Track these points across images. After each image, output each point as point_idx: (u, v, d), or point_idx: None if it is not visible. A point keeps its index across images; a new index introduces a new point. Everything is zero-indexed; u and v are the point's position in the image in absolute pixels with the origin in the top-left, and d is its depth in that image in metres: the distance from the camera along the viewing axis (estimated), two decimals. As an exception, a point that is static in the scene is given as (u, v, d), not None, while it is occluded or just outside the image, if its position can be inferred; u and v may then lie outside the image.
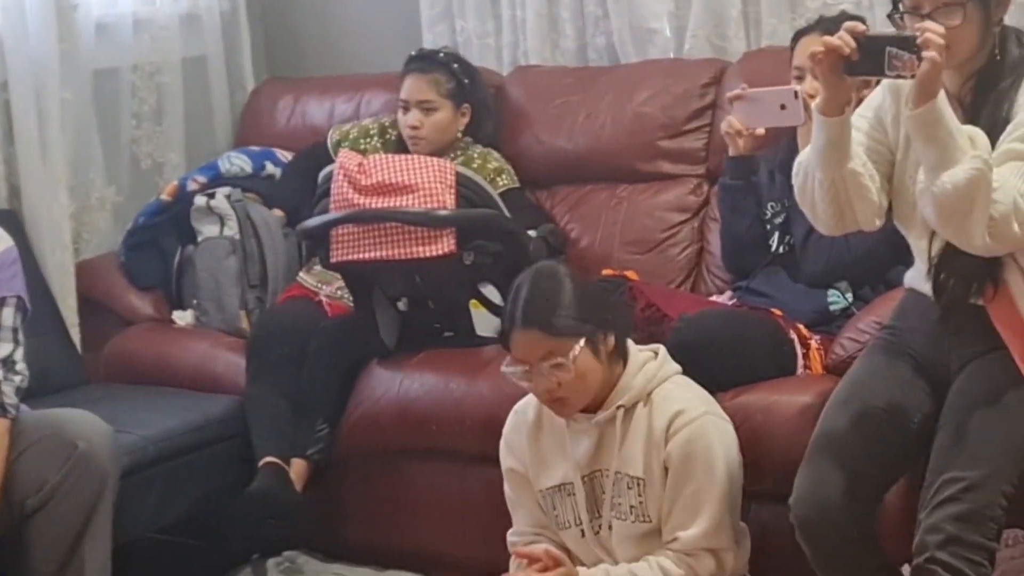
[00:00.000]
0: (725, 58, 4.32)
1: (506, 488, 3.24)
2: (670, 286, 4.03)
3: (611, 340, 3.06)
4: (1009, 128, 2.72)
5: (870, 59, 2.65)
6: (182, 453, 3.80)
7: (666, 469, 3.03)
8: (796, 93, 3.42)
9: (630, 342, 3.12)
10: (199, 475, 3.84)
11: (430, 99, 4.20)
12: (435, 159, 3.97)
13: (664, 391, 3.08)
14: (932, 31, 2.61)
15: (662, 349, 3.16)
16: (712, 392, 3.27)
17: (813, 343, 3.45)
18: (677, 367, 3.15)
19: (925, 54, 2.59)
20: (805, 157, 2.85)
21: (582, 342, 2.99)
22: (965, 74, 2.80)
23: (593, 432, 3.08)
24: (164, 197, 4.52)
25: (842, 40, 2.65)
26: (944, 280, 2.82)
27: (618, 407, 3.05)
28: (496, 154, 4.28)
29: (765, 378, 3.36)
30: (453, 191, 3.87)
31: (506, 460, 3.22)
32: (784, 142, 3.69)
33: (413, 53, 4.32)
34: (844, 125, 2.75)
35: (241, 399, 3.99)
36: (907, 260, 3.00)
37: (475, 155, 4.23)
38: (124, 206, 4.65)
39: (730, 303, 3.69)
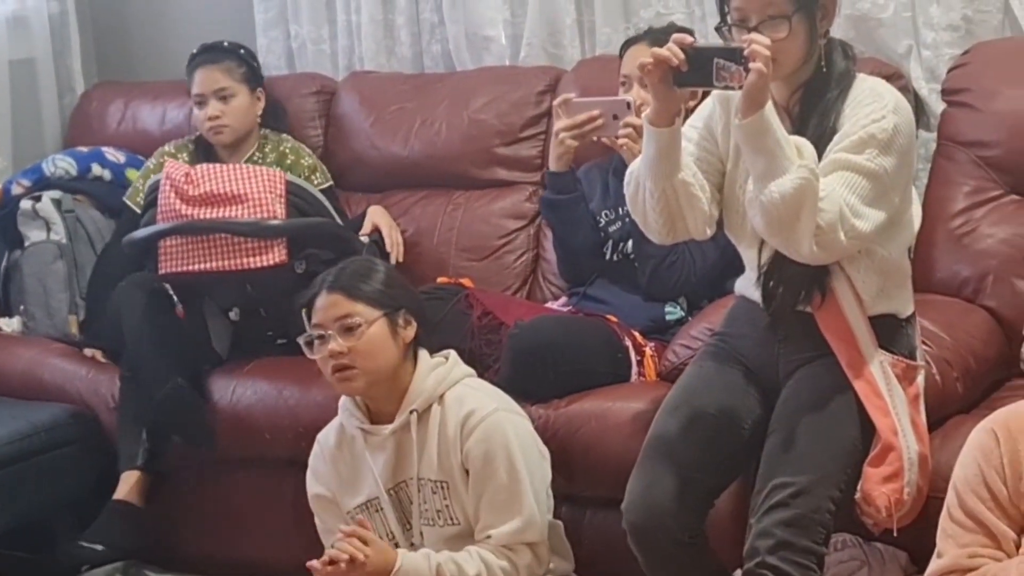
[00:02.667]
0: (560, 66, 4.35)
1: (316, 520, 3.22)
2: (506, 293, 4.04)
3: (411, 331, 3.09)
4: (836, 138, 2.77)
5: (698, 70, 2.69)
6: (8, 463, 3.72)
7: (467, 471, 3.04)
8: (629, 104, 3.45)
9: (423, 350, 3.13)
10: (27, 485, 3.76)
11: (225, 86, 4.18)
12: (264, 168, 3.95)
13: (455, 392, 3.10)
14: (758, 43, 2.65)
15: (452, 353, 3.18)
16: (548, 399, 3.29)
17: (648, 350, 3.49)
18: (469, 370, 3.17)
19: (752, 65, 2.63)
20: (636, 167, 2.88)
21: (380, 314, 3.03)
22: (792, 85, 2.85)
23: (390, 443, 3.09)
24: (-12, 201, 4.44)
25: (671, 52, 2.68)
26: (773, 288, 2.87)
27: (411, 411, 3.07)
28: (307, 149, 4.28)
29: (600, 384, 3.39)
30: (283, 200, 3.86)
31: (313, 487, 3.21)
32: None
33: (195, 50, 4.28)
34: (674, 135, 2.78)
35: (71, 408, 3.93)
36: (740, 270, 3.05)
37: (287, 150, 4.22)
38: (-53, 210, 4.55)
39: (566, 309, 3.72)
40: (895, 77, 3.65)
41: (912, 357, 2.89)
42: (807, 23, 2.78)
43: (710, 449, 2.86)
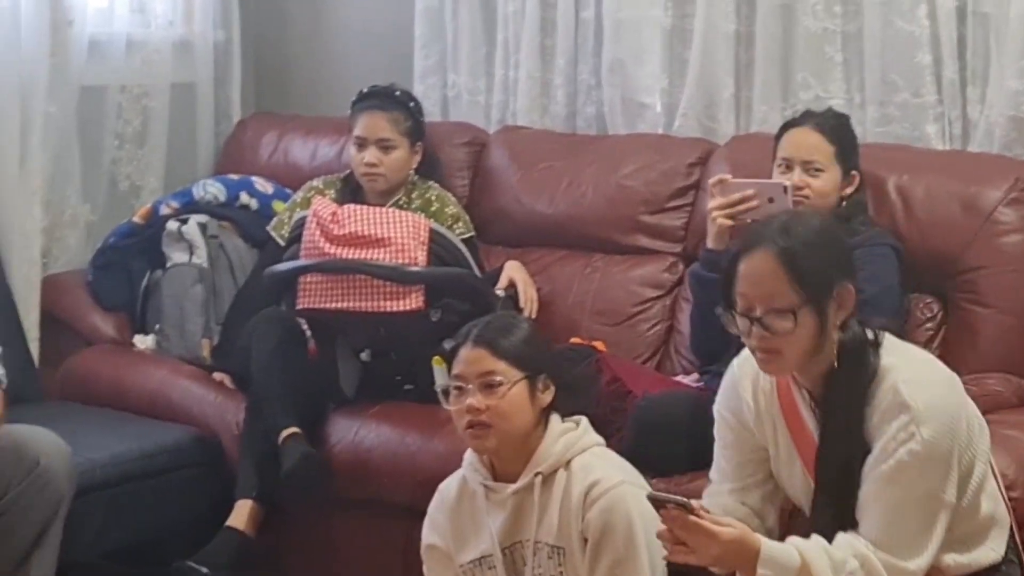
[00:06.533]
0: (713, 139, 4.33)
1: (425, 570, 3.19)
2: (636, 361, 4.01)
3: (549, 395, 3.06)
4: (870, 459, 2.63)
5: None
6: (129, 480, 3.76)
7: (585, 540, 3.00)
8: (786, 188, 3.42)
9: (554, 414, 3.10)
10: (145, 503, 3.80)
11: (389, 137, 4.18)
12: (410, 214, 3.97)
13: (583, 460, 3.05)
14: None
15: (584, 420, 3.14)
16: (669, 473, 3.25)
17: (775, 434, 3.43)
18: (598, 439, 3.13)
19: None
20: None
21: (522, 376, 3.01)
22: (811, 374, 2.73)
23: (510, 503, 3.06)
24: (136, 220, 4.52)
25: None
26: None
27: (536, 474, 3.03)
28: (452, 198, 4.28)
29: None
30: (425, 247, 3.88)
31: (428, 537, 3.18)
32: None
33: (365, 90, 4.29)
34: None
35: (196, 431, 3.97)
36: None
37: (433, 197, 4.22)
38: (97, 225, 4.64)
39: (695, 385, 3.68)
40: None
41: None
42: (816, 316, 2.64)
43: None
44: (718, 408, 2.90)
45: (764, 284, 2.65)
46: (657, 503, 2.63)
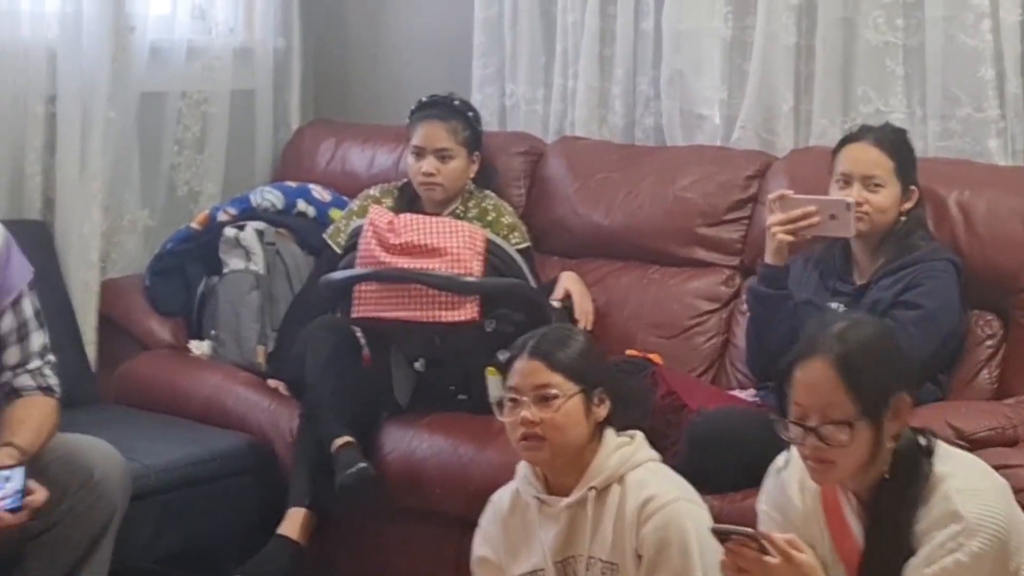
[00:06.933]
0: (772, 152, 4.30)
1: None
2: (692, 375, 3.99)
3: (604, 409, 3.05)
4: (915, 560, 2.57)
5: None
6: (182, 486, 3.77)
7: (639, 556, 2.98)
8: (848, 204, 3.39)
9: (609, 428, 3.09)
10: (197, 510, 3.81)
11: (448, 147, 4.18)
12: (466, 225, 3.97)
13: (637, 475, 3.03)
14: None
15: (639, 434, 3.12)
16: (723, 490, 3.23)
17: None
18: (654, 454, 3.11)
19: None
20: None
21: (578, 389, 2.99)
22: (864, 482, 2.67)
23: (564, 516, 3.04)
24: (194, 225, 4.54)
25: None
26: None
27: (590, 488, 3.02)
28: (509, 208, 4.27)
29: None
30: (482, 258, 3.87)
31: (479, 549, 3.17)
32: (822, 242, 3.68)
33: (424, 100, 4.30)
34: None
35: (249, 438, 3.98)
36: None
37: (489, 207, 4.22)
38: (155, 230, 4.66)
39: (752, 400, 3.65)
40: None
41: None
42: (873, 429, 2.58)
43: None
44: (763, 507, 2.84)
45: (820, 394, 2.60)
46: (721, 535, 2.60)
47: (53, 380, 3.28)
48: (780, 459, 2.82)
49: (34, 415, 3.19)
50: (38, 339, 3.26)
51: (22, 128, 4.28)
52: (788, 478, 2.78)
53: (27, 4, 4.27)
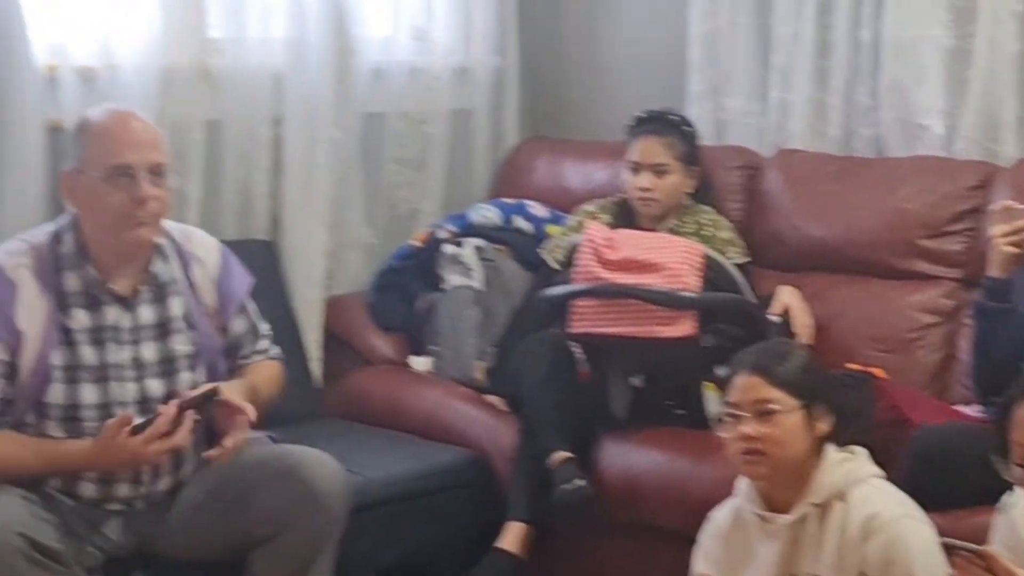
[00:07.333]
0: (996, 162, 4.20)
1: None
2: (914, 390, 3.91)
3: (825, 424, 3.02)
4: None
5: None
6: (404, 499, 3.84)
7: (863, 574, 2.93)
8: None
9: (831, 445, 3.05)
10: (417, 523, 3.87)
11: (664, 162, 4.18)
12: (684, 240, 3.98)
13: (861, 492, 3.00)
14: None
15: (861, 450, 3.08)
16: (948, 508, 3.16)
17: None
18: (877, 470, 3.06)
19: None
20: None
21: (798, 404, 2.97)
22: None
23: (785, 534, 3.01)
24: (415, 242, 4.62)
25: None
26: None
27: (812, 505, 2.99)
28: (726, 222, 4.25)
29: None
30: (699, 273, 3.87)
31: (699, 565, 3.16)
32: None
33: (642, 115, 4.30)
34: None
35: (469, 452, 4.03)
36: None
37: (706, 221, 4.20)
38: (377, 248, 4.74)
39: (978, 416, 3.57)
40: None
41: None
42: None
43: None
44: (994, 546, 2.74)
45: None
46: (949, 549, 2.56)
47: (275, 351, 3.48)
48: (1007, 497, 2.76)
49: (263, 370, 3.41)
50: (264, 329, 3.45)
51: (250, 150, 4.42)
52: (1017, 517, 2.72)
53: (254, 31, 4.41)
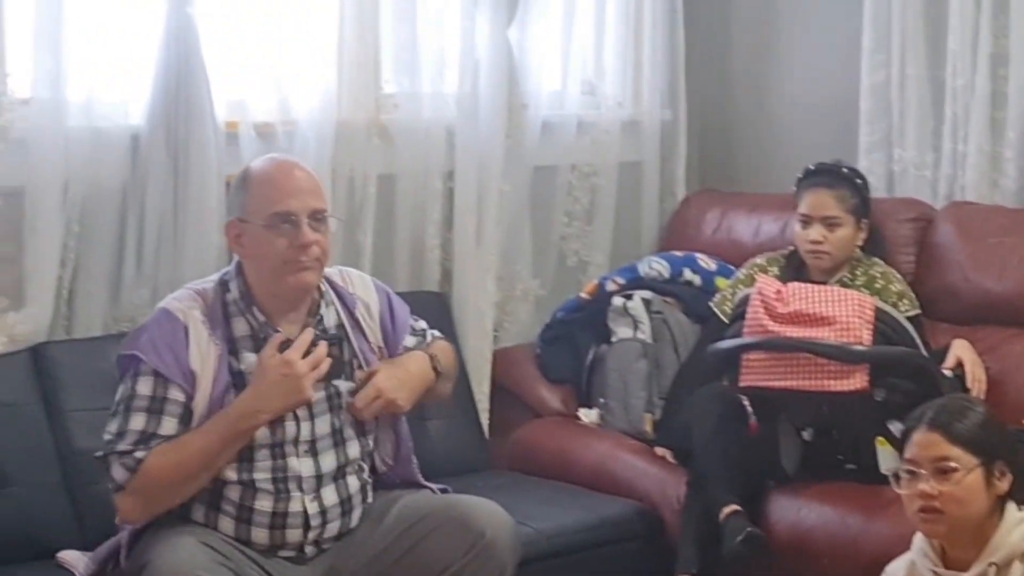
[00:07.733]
0: None
1: None
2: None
3: (1005, 483, 2.97)
4: None
5: None
6: (573, 551, 3.85)
7: None
8: None
9: (1011, 502, 2.99)
10: (587, 575, 3.87)
11: (835, 215, 4.15)
12: (855, 293, 3.94)
13: None
14: None
15: None
16: None
17: None
18: None
19: None
20: None
21: (978, 462, 2.93)
22: None
23: None
24: (583, 295, 4.65)
25: None
26: None
27: (990, 564, 2.93)
28: (898, 275, 4.20)
29: None
30: (871, 326, 3.83)
31: None
32: None
33: (811, 167, 4.27)
34: None
35: (637, 504, 4.03)
36: None
37: (877, 275, 4.15)
38: (545, 299, 4.79)
39: None
40: None
41: None
42: None
43: None
44: None
45: None
46: None
47: (439, 334, 3.55)
48: None
49: (436, 344, 3.49)
50: (424, 325, 3.53)
51: (423, 203, 4.49)
52: None
53: (428, 87, 4.49)
